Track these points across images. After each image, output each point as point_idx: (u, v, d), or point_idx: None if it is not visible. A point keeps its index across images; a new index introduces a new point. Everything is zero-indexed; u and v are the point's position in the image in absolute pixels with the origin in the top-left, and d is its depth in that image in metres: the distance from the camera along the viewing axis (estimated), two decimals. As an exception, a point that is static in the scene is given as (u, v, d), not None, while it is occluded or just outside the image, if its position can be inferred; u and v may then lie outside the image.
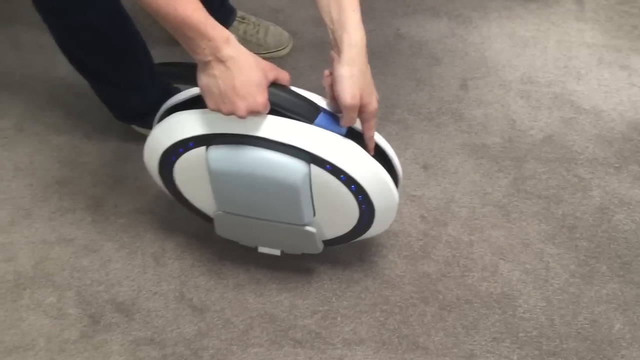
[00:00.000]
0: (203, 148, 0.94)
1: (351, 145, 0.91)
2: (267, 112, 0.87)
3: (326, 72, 0.89)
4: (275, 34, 1.60)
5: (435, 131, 1.48)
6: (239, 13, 1.61)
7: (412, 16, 1.70)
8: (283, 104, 0.87)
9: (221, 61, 0.80)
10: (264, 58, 0.87)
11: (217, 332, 1.20)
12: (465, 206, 1.36)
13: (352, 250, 1.30)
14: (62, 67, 1.58)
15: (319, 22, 1.70)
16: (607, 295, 1.24)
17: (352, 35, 0.85)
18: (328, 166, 0.91)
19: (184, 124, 0.94)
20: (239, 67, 0.81)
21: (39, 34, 1.66)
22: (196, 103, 0.94)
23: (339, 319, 1.22)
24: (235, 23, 1.60)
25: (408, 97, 1.54)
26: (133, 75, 1.27)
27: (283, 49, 1.61)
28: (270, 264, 1.28)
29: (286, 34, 1.62)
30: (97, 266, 1.29)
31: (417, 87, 1.56)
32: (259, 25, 1.60)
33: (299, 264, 1.28)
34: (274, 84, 0.87)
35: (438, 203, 1.37)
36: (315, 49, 1.64)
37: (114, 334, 1.20)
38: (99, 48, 1.18)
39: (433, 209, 1.36)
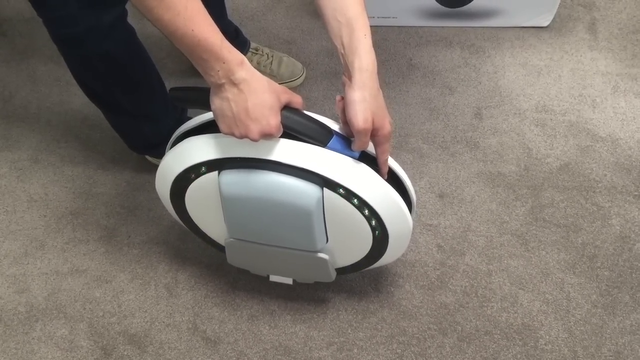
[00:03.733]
0: (215, 173, 0.94)
1: (364, 168, 0.90)
2: (279, 135, 0.86)
3: (338, 97, 0.89)
4: (289, 64, 1.62)
5: (450, 160, 1.47)
6: (253, 45, 1.63)
7: (425, 47, 1.70)
8: (296, 127, 0.87)
9: (234, 84, 0.80)
10: None
11: (230, 364, 1.18)
12: (482, 235, 1.34)
13: (367, 280, 1.28)
14: (77, 100, 1.61)
15: (331, 53, 1.75)
16: (631, 326, 1.20)
17: (364, 59, 0.84)
18: (341, 190, 0.90)
19: (196, 149, 0.93)
20: (252, 90, 0.81)
21: (54, 68, 1.69)
22: (208, 129, 0.94)
23: (355, 350, 1.19)
24: (249, 54, 1.61)
25: (422, 126, 1.53)
26: (147, 105, 1.28)
27: (296, 79, 1.62)
28: (285, 295, 1.26)
29: (299, 65, 1.63)
30: (109, 297, 1.28)
31: (431, 116, 1.55)
32: (272, 56, 1.62)
33: (314, 294, 1.26)
34: (287, 108, 0.86)
35: (455, 232, 1.35)
36: (328, 79, 1.65)
37: (125, 366, 1.18)
38: (115, 78, 1.19)
39: (450, 238, 1.34)
